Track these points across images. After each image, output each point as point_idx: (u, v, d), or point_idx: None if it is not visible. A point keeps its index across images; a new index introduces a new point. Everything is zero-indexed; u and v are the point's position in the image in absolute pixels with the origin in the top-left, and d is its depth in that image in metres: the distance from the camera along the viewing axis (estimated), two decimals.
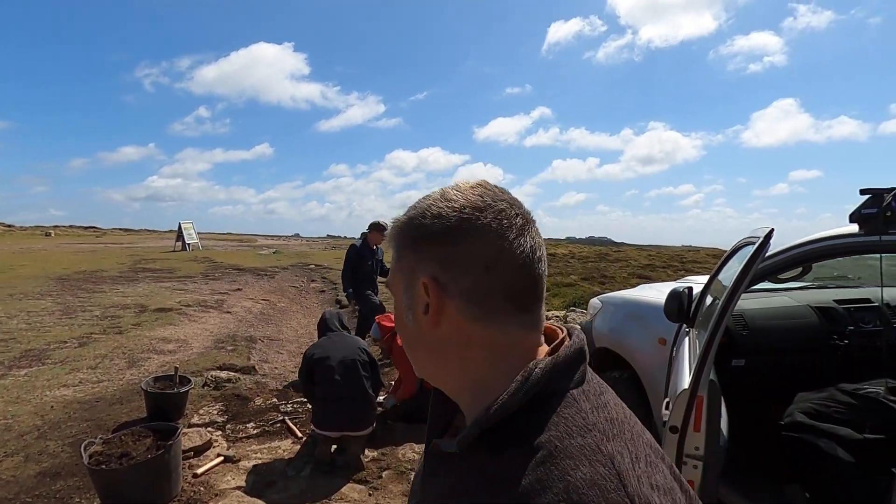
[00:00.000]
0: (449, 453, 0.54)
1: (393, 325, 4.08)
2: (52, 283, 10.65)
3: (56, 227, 45.05)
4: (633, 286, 5.54)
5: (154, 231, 52.44)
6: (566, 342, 0.56)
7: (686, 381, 1.68)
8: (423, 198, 0.58)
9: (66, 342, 6.04)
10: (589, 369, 0.56)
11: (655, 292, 3.21)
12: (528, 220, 0.55)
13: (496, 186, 0.57)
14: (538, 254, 0.55)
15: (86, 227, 46.92)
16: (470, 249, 0.52)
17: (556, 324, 0.62)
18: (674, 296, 2.33)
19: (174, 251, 20.74)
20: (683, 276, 9.18)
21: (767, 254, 1.84)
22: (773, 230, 1.54)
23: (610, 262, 16.86)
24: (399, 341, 3.81)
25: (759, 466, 2.36)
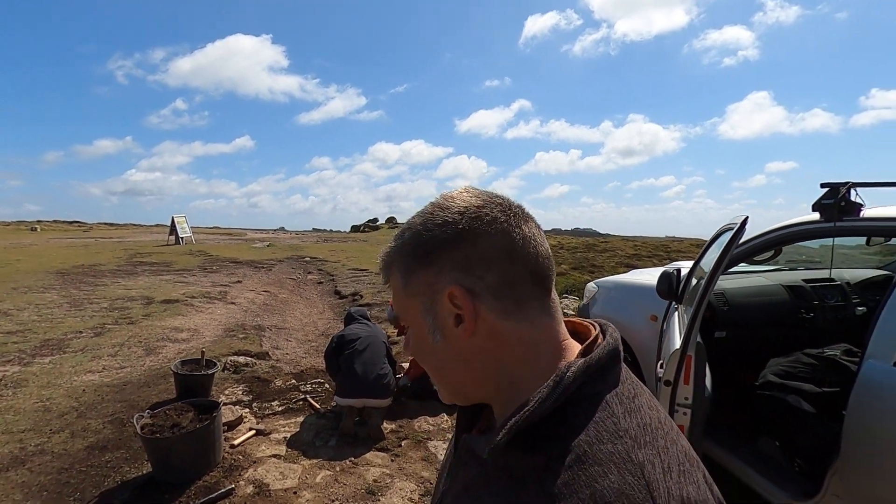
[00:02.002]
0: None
1: None
2: (53, 277, 10.76)
3: (39, 221, 44.37)
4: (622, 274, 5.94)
5: (140, 225, 51.87)
6: (599, 341, 0.55)
7: (677, 343, 2.03)
8: (412, 217, 0.57)
9: (81, 332, 6.25)
10: (625, 369, 0.55)
11: (647, 276, 3.57)
12: (524, 210, 0.57)
13: (483, 189, 0.58)
14: (540, 237, 0.57)
15: (70, 222, 46.27)
16: (488, 244, 0.52)
17: (587, 320, 0.62)
18: (665, 276, 2.69)
19: (168, 245, 20.75)
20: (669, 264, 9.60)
21: (744, 239, 2.19)
22: (748, 217, 1.86)
23: (598, 252, 17.49)
24: None
25: (738, 424, 2.73)
